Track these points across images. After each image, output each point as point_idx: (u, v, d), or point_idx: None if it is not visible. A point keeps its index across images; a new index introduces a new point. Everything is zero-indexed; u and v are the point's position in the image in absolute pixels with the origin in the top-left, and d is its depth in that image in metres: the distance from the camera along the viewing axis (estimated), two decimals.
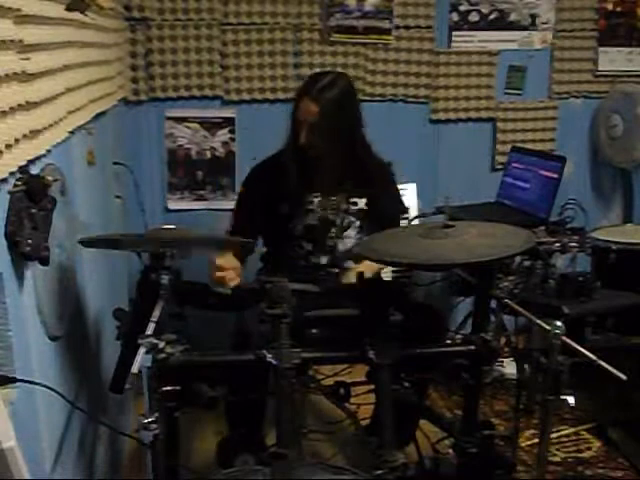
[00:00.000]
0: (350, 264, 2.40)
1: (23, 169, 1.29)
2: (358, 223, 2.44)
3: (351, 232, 2.45)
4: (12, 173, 1.24)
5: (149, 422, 1.39)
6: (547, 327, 1.53)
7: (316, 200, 2.41)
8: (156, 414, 1.41)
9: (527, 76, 3.45)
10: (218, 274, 2.14)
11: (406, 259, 1.63)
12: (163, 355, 1.48)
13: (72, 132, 1.73)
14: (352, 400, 1.98)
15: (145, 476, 1.49)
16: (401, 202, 2.65)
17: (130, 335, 1.62)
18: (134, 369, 1.38)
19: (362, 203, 2.45)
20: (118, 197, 2.74)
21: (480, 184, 3.42)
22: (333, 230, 2.42)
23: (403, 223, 2.67)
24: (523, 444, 2.55)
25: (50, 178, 1.42)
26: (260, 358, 1.52)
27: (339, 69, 3.19)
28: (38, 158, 1.40)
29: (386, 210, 2.48)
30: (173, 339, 1.53)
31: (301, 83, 2.53)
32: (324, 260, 2.42)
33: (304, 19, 3.17)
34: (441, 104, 3.39)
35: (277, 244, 2.48)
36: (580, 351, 1.51)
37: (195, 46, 3.09)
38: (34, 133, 1.36)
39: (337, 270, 2.41)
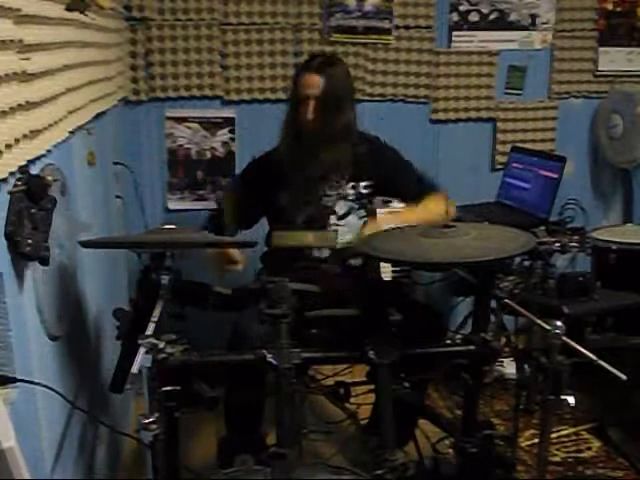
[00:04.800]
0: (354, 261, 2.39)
1: (23, 169, 1.29)
2: (359, 209, 2.43)
3: (352, 219, 2.43)
4: (12, 173, 1.24)
5: (149, 422, 1.39)
6: (547, 327, 1.53)
7: (315, 187, 2.40)
8: (156, 414, 1.41)
9: (527, 76, 3.44)
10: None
11: (393, 255, 1.64)
12: (163, 355, 1.49)
13: (72, 132, 1.73)
14: (352, 400, 1.99)
15: (145, 476, 1.49)
16: (415, 170, 2.53)
17: (130, 335, 1.62)
18: (134, 369, 1.38)
19: (361, 187, 2.43)
20: (118, 197, 2.74)
21: (480, 184, 3.42)
22: (333, 217, 2.41)
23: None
24: (523, 444, 2.55)
25: (50, 178, 1.42)
26: (260, 358, 1.52)
27: None
28: (38, 158, 1.40)
29: (413, 184, 2.46)
30: (173, 339, 1.53)
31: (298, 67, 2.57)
32: (325, 253, 2.41)
33: (304, 19, 3.16)
34: (441, 104, 3.39)
35: None
36: (580, 351, 1.51)
37: (195, 46, 3.09)
38: (34, 133, 1.36)
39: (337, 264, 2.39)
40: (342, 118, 2.33)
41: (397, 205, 2.44)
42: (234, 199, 2.50)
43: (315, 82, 2.28)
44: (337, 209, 2.41)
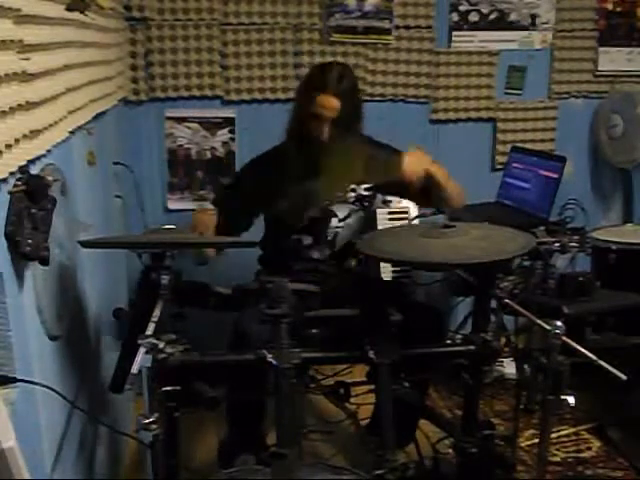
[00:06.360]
0: (350, 262, 2.39)
1: (23, 169, 1.29)
2: (358, 211, 2.42)
3: (351, 221, 2.41)
4: (12, 173, 1.24)
5: (149, 422, 1.39)
6: (547, 327, 1.53)
7: (317, 191, 2.39)
8: (156, 414, 1.41)
9: (527, 76, 3.45)
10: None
11: (393, 255, 1.63)
12: (163, 355, 1.49)
13: (72, 132, 1.73)
14: (352, 400, 1.99)
15: (145, 476, 1.49)
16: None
17: (130, 335, 1.63)
18: (134, 369, 1.38)
19: (361, 189, 2.42)
20: (118, 197, 2.74)
21: (480, 184, 3.41)
22: (335, 220, 2.40)
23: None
24: (523, 444, 2.55)
25: (50, 178, 1.42)
26: (260, 358, 1.52)
27: None
28: (38, 158, 1.40)
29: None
30: (173, 339, 1.53)
31: (307, 76, 2.44)
32: (325, 254, 2.40)
33: (304, 19, 3.17)
34: (441, 104, 3.39)
35: (277, 240, 2.46)
36: (580, 351, 1.51)
37: (195, 46, 3.09)
38: (34, 133, 1.36)
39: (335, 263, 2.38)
40: (354, 134, 2.30)
41: (396, 204, 2.44)
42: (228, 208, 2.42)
43: (332, 104, 2.20)
44: (338, 212, 2.41)
